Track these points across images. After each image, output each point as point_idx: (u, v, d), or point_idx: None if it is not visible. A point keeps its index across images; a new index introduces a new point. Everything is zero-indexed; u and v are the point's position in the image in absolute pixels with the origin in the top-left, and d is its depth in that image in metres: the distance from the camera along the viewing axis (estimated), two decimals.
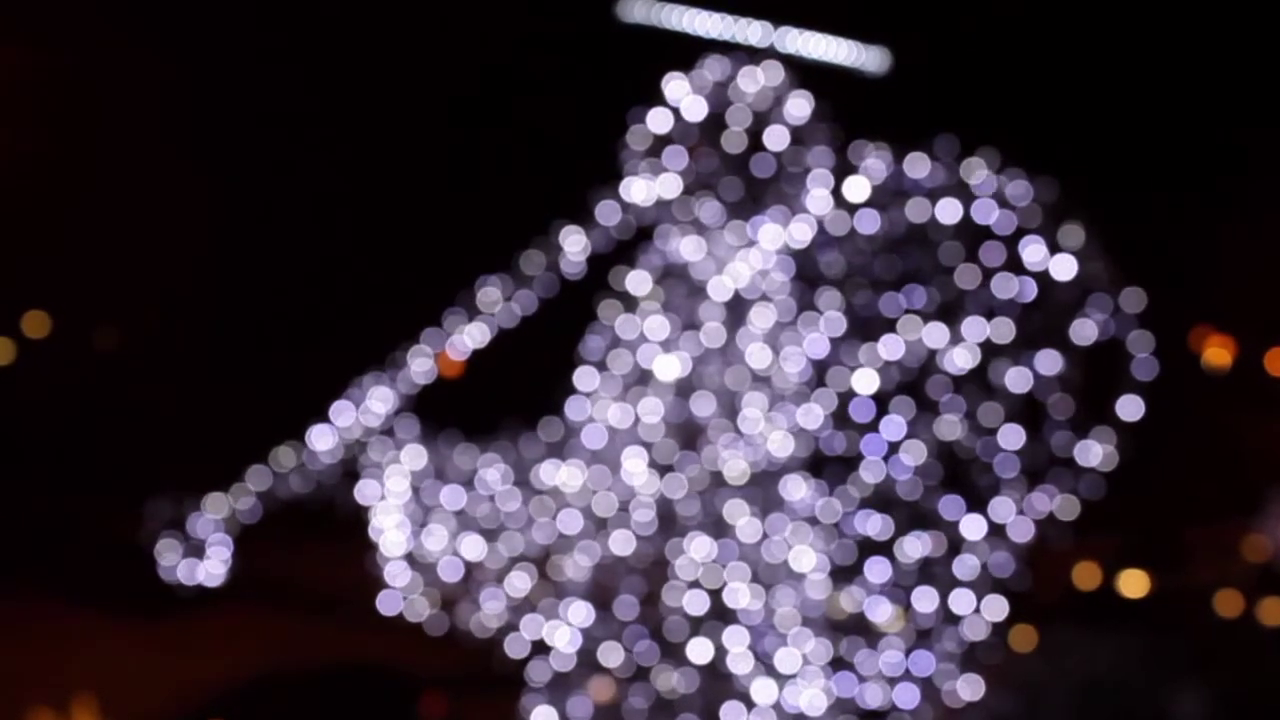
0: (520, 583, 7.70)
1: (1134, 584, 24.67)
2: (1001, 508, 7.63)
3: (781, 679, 7.85)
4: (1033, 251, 7.46)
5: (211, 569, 7.81)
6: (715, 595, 8.03)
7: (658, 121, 8.14)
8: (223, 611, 26.25)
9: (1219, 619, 23.04)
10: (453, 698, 19.74)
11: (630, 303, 8.16)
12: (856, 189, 7.95)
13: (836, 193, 8.05)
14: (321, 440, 8.07)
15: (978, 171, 7.52)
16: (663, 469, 8.03)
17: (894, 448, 7.78)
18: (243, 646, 18.90)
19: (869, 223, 7.97)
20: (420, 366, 8.25)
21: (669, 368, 8.06)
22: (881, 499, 7.70)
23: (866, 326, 7.97)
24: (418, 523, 7.98)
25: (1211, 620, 22.61)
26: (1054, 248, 7.56)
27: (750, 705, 7.81)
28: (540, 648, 8.11)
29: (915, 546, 7.70)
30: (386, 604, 8.01)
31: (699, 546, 7.86)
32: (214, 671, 17.66)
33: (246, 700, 15.71)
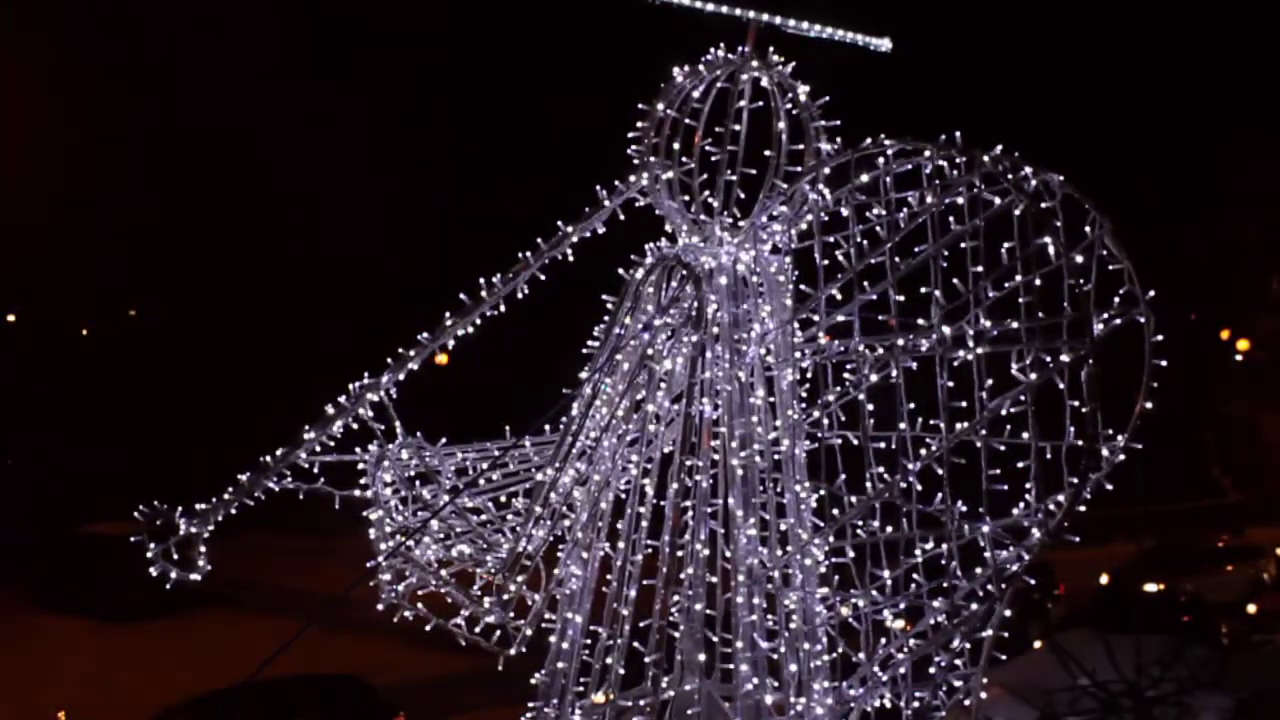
0: (518, 584, 7.50)
1: (1154, 588, 24.38)
2: (1016, 508, 7.40)
3: (785, 681, 7.66)
4: (1048, 245, 7.22)
5: (197, 570, 7.65)
6: (717, 596, 7.86)
7: (662, 111, 7.97)
8: (211, 614, 26.25)
9: (1241, 623, 22.76)
10: (450, 700, 19.67)
11: (633, 299, 7.98)
12: (865, 179, 7.76)
13: (844, 183, 7.87)
14: (316, 442, 7.90)
15: (990, 162, 7.29)
16: (664, 467, 7.85)
17: (904, 446, 7.57)
18: (232, 649, 18.84)
19: (878, 214, 7.78)
20: (417, 365, 8.08)
21: (670, 364, 7.88)
22: (890, 499, 7.47)
23: (875, 320, 7.77)
24: (414, 523, 7.81)
25: (1234, 624, 22.35)
26: (1071, 241, 7.34)
27: (753, 708, 7.62)
28: (539, 649, 7.95)
29: (924, 547, 7.48)
30: (382, 606, 7.84)
31: (700, 546, 7.67)
32: (199, 675, 17.62)
33: (223, 705, 15.61)
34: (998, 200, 7.35)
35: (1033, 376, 7.18)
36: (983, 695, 7.77)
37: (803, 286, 7.97)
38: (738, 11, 8.00)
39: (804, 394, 8.00)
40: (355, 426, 8.01)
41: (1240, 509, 39.14)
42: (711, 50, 8.07)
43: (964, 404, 7.35)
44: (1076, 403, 7.00)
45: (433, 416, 8.33)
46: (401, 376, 8.05)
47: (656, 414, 7.88)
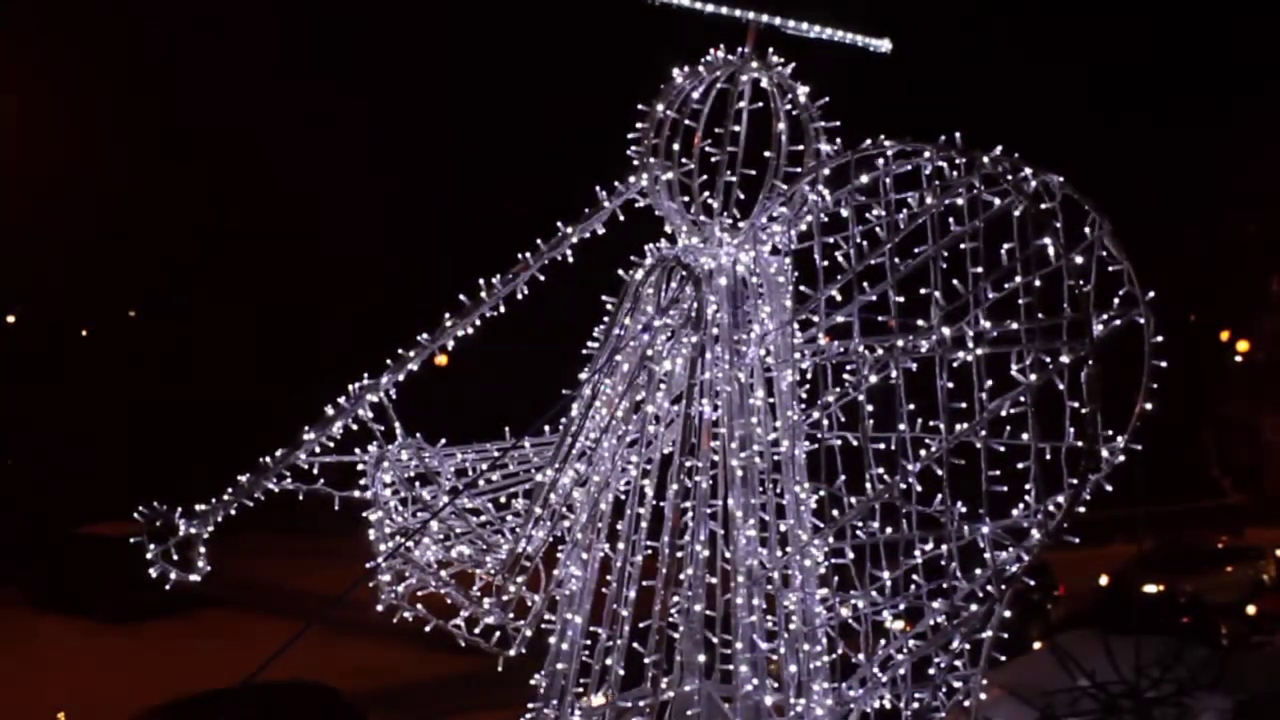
0: (518, 585, 7.49)
1: (1154, 588, 24.39)
2: (1016, 509, 7.38)
3: (785, 682, 7.65)
4: (1048, 246, 7.21)
5: (196, 571, 7.64)
6: (717, 597, 7.85)
7: (662, 111, 7.97)
8: (211, 615, 26.16)
9: (1240, 624, 22.76)
10: (450, 701, 19.64)
11: (632, 300, 7.97)
12: (865, 180, 7.75)
13: (844, 184, 7.86)
14: (315, 443, 7.89)
15: (990, 163, 7.28)
16: (663, 468, 7.84)
17: (904, 447, 7.55)
18: (231, 650, 18.82)
19: (877, 215, 7.77)
20: (417, 366, 8.07)
21: (670, 365, 7.88)
22: (890, 500, 7.46)
23: (875, 322, 7.76)
24: (413, 524, 7.80)
25: (1233, 625, 22.34)
26: (1070, 242, 7.32)
27: (753, 709, 7.61)
28: (539, 650, 7.94)
29: (924, 549, 7.47)
30: (381, 607, 7.83)
31: (700, 547, 7.66)
32: (199, 675, 17.59)
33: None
34: (997, 201, 7.34)
35: (1033, 377, 7.16)
36: (982, 696, 7.76)
37: (802, 287, 7.95)
38: (738, 12, 7.99)
39: (804, 395, 7.99)
40: (355, 427, 8.00)
41: (1240, 510, 39.13)
42: (711, 51, 8.05)
43: (964, 405, 7.34)
44: (1076, 404, 6.98)
45: (432, 417, 8.32)
46: (401, 377, 8.04)
47: (656, 415, 7.87)
